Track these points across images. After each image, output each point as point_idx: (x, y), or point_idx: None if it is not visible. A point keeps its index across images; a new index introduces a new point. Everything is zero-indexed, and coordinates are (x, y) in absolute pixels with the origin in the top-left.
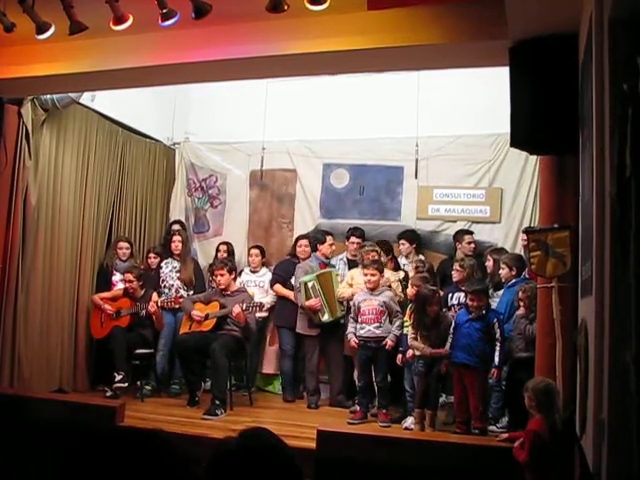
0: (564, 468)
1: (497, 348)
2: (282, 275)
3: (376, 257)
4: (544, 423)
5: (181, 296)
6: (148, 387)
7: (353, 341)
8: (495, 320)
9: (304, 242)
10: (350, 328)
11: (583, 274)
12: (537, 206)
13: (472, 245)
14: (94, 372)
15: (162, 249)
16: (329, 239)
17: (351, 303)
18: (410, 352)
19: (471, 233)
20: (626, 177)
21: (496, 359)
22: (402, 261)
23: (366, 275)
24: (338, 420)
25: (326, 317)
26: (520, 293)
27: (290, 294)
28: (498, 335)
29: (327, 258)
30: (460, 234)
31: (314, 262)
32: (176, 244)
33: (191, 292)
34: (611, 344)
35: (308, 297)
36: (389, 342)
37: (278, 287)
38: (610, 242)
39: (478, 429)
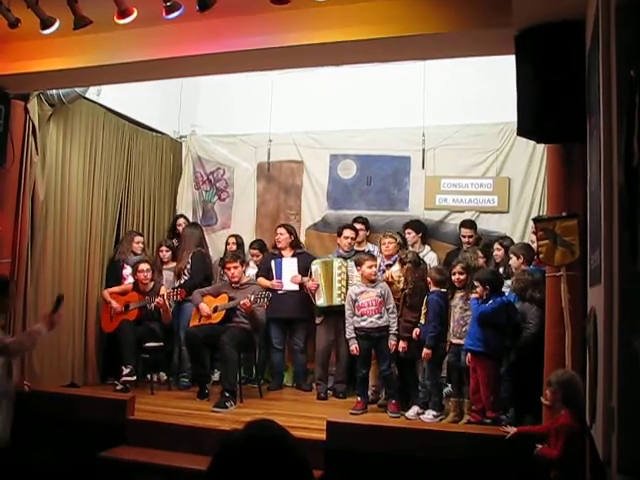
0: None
1: (506, 335)
2: (263, 269)
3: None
4: (573, 416)
5: (175, 287)
6: (164, 375)
7: (355, 347)
8: (503, 306)
9: (281, 230)
10: (349, 331)
11: (592, 262)
12: (545, 195)
13: (467, 239)
14: (104, 366)
15: (172, 243)
16: (347, 232)
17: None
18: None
19: (466, 226)
20: (634, 165)
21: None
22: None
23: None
24: (347, 411)
25: (321, 301)
26: (514, 278)
27: (270, 283)
28: (505, 321)
29: (346, 252)
30: (459, 226)
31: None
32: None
33: (181, 282)
34: (620, 332)
35: (310, 279)
36: (393, 343)
37: (261, 279)
38: (618, 230)
39: (491, 418)
